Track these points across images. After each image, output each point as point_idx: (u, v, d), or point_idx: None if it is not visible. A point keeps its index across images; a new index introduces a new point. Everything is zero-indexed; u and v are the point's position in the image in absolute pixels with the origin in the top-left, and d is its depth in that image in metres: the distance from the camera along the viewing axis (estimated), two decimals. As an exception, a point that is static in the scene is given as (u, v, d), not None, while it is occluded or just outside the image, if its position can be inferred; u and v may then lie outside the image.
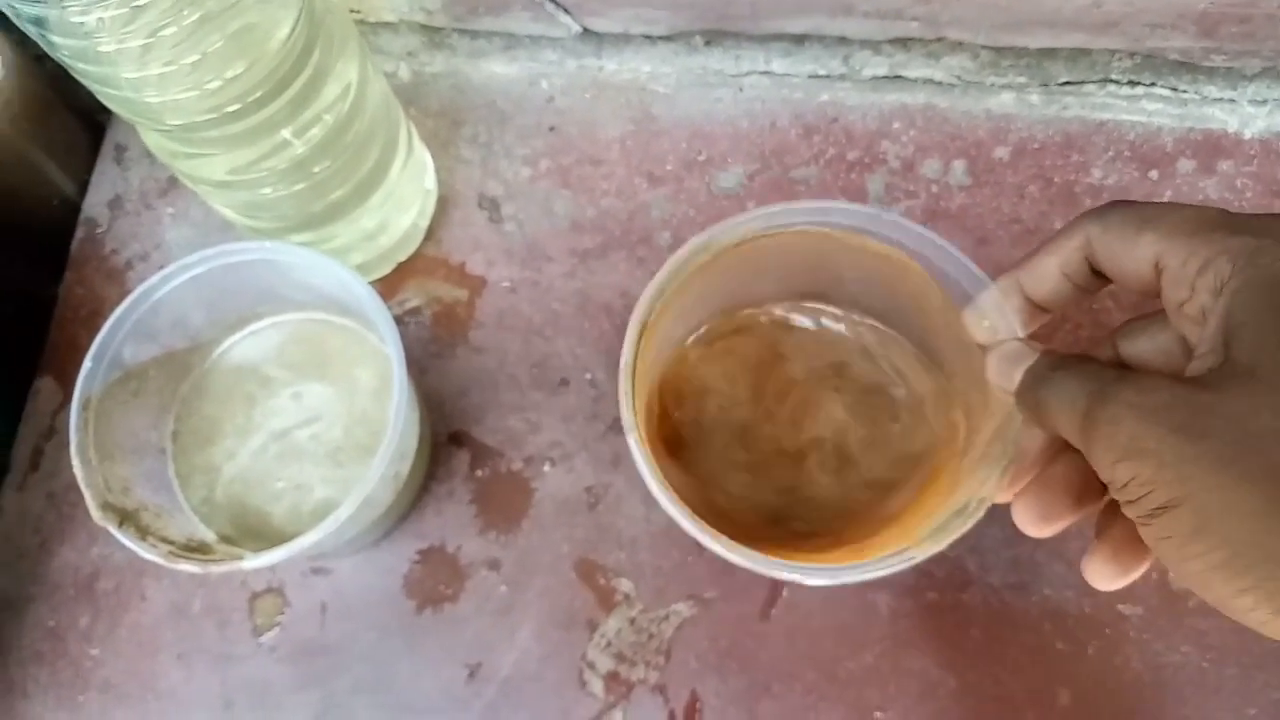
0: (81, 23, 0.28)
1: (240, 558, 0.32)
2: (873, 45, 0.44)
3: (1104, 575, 0.27)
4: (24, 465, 0.43)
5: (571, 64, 0.47)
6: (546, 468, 0.41)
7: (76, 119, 0.48)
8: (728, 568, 0.39)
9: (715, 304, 0.38)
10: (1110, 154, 0.44)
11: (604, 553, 0.40)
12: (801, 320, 0.38)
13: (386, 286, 0.44)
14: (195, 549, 0.34)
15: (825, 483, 0.37)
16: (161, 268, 0.35)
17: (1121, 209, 0.25)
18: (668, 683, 0.38)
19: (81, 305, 0.45)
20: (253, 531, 0.37)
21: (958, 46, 0.43)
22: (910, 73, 0.45)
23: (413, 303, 0.44)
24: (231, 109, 0.32)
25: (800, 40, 0.44)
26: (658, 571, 0.39)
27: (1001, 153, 0.44)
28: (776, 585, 0.39)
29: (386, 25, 0.47)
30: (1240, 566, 0.20)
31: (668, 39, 0.45)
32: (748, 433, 0.38)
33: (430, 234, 0.44)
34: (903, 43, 0.44)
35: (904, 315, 0.36)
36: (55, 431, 0.43)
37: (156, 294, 0.35)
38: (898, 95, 0.45)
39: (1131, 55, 0.43)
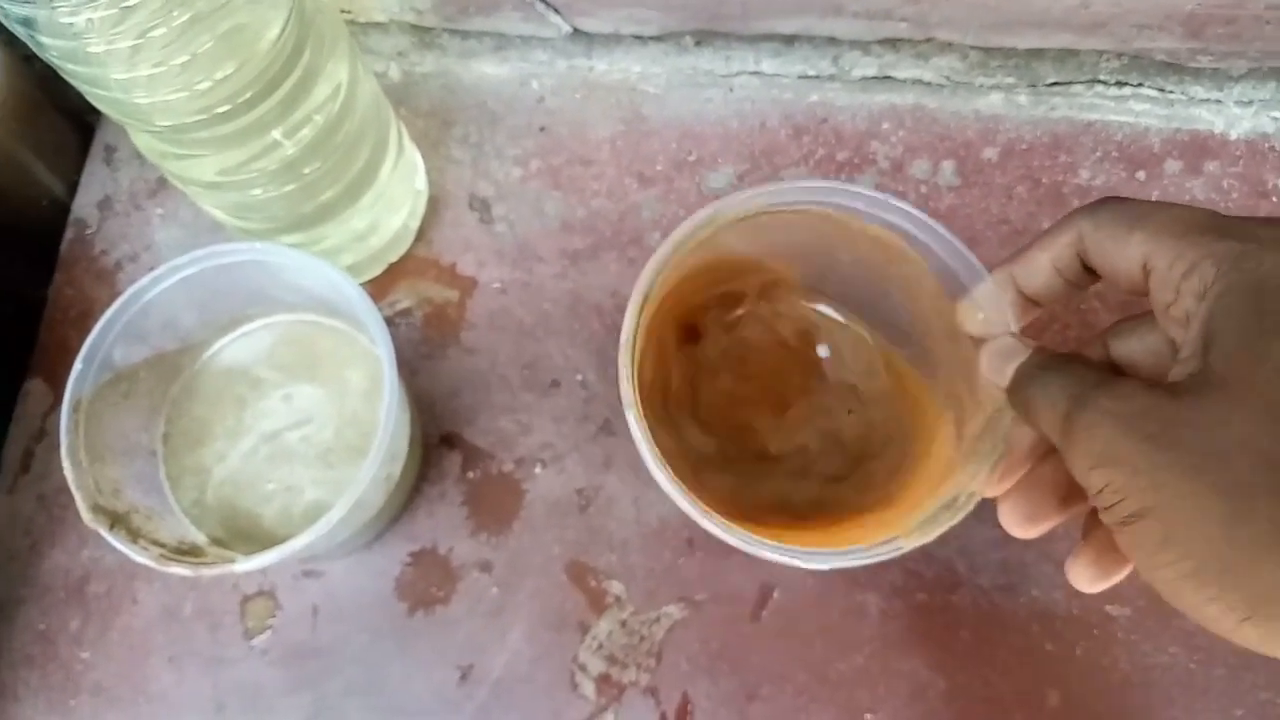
0: (70, 23, 0.28)
1: (232, 560, 0.32)
2: (862, 46, 0.44)
3: (1087, 578, 0.27)
4: (14, 467, 0.42)
5: (562, 64, 0.47)
6: (538, 469, 0.41)
7: (66, 119, 0.48)
8: (718, 570, 0.39)
9: (714, 284, 0.38)
10: (1098, 154, 0.44)
11: (595, 555, 0.40)
12: (795, 306, 0.39)
13: (377, 287, 0.44)
14: (186, 552, 0.34)
15: (815, 470, 0.37)
16: (151, 269, 0.34)
17: (1114, 206, 0.25)
18: (659, 685, 0.38)
19: (71, 307, 0.45)
20: (244, 534, 0.37)
21: (946, 47, 0.43)
22: (899, 73, 0.45)
23: (403, 304, 0.44)
24: (221, 110, 0.32)
25: (790, 41, 0.45)
26: (649, 574, 0.39)
27: (990, 153, 0.44)
28: (767, 587, 0.39)
29: (377, 25, 0.47)
30: (1206, 576, 0.20)
31: (658, 39, 0.45)
32: (739, 420, 0.38)
33: (421, 235, 0.44)
34: (892, 43, 0.44)
35: (894, 302, 0.36)
36: (45, 433, 0.43)
37: (147, 295, 0.34)
38: (887, 96, 0.45)
39: (1119, 56, 0.43)
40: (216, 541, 0.37)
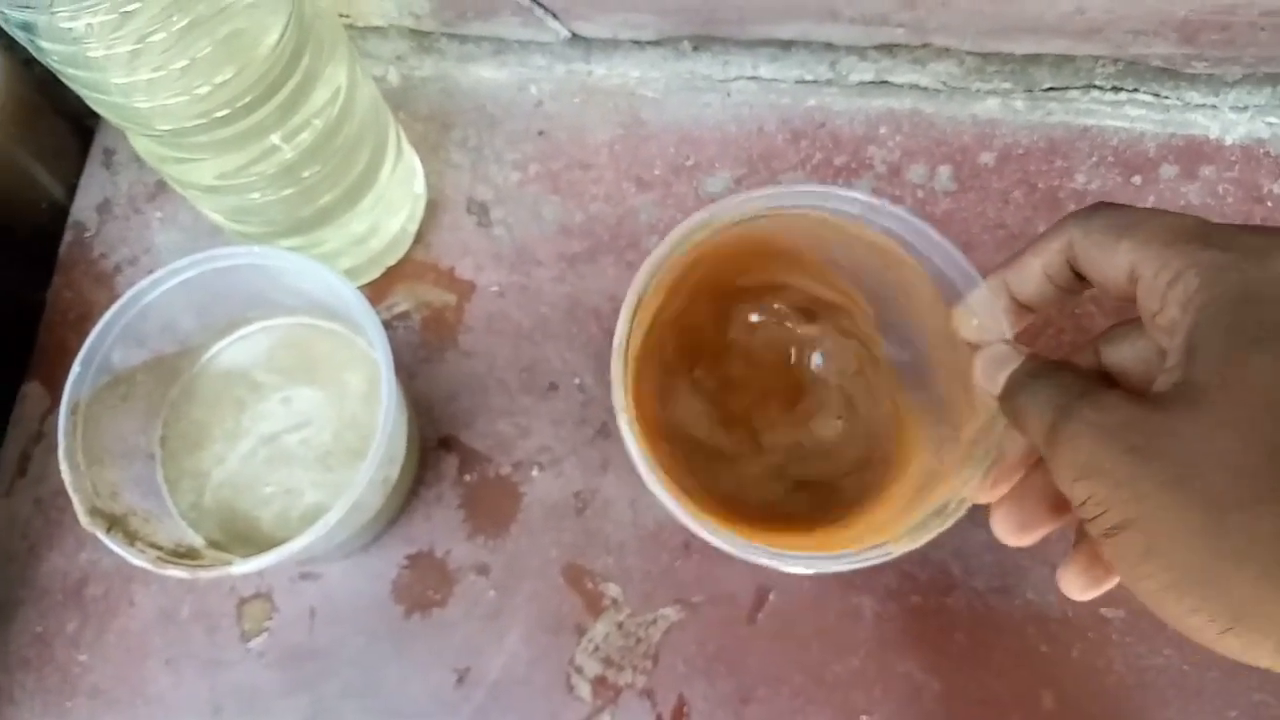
0: (70, 28, 0.28)
1: (229, 563, 0.32)
2: (859, 51, 0.44)
3: (1078, 586, 0.27)
4: (12, 470, 0.43)
5: (560, 69, 0.47)
6: (535, 472, 0.41)
7: (65, 123, 0.48)
8: (714, 572, 0.39)
9: (709, 285, 0.38)
10: (1094, 159, 0.44)
11: (592, 557, 0.40)
12: (790, 306, 0.39)
13: (375, 291, 0.44)
14: (184, 554, 0.34)
15: (808, 475, 0.37)
16: (150, 272, 0.35)
17: (1104, 213, 0.25)
18: (655, 687, 0.38)
19: (70, 309, 0.45)
20: (241, 536, 0.37)
21: (943, 52, 0.44)
22: (896, 78, 0.45)
23: (401, 307, 0.44)
24: (220, 114, 0.32)
25: (787, 46, 0.45)
26: (645, 576, 0.40)
27: (987, 158, 0.44)
28: (763, 589, 0.39)
29: (375, 30, 0.47)
30: (1188, 587, 0.20)
31: (656, 44, 0.46)
32: (735, 424, 0.38)
33: (419, 238, 0.44)
34: (889, 49, 0.44)
35: (891, 307, 0.36)
36: (43, 436, 0.43)
37: (145, 298, 0.35)
38: (884, 101, 0.45)
39: (1114, 61, 0.43)
40: (214, 544, 0.37)
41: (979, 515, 0.29)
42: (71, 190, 0.47)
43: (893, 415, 0.37)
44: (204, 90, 0.31)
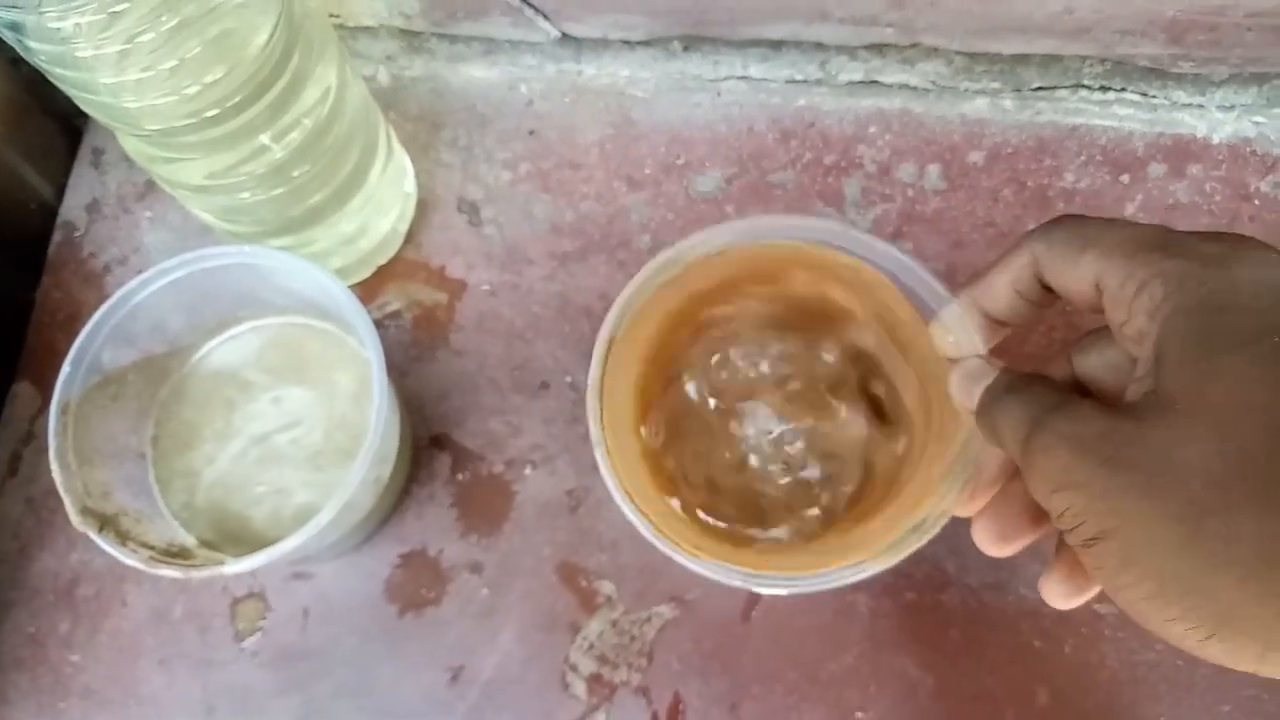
0: (58, 28, 0.28)
1: (221, 563, 0.32)
2: (849, 51, 0.45)
3: (1060, 594, 0.27)
4: (2, 471, 0.42)
5: (551, 68, 0.47)
6: (528, 471, 0.41)
7: (53, 123, 0.48)
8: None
9: (689, 313, 0.38)
10: (1082, 158, 0.44)
11: (585, 555, 0.40)
12: (773, 325, 0.39)
13: (366, 290, 0.44)
14: (176, 554, 0.34)
15: (797, 489, 0.37)
16: (140, 272, 0.35)
17: (1067, 226, 0.25)
18: (650, 684, 0.38)
19: (59, 309, 0.45)
20: (234, 536, 0.37)
21: (932, 52, 0.44)
22: (886, 78, 0.45)
23: (393, 306, 0.44)
24: (210, 114, 0.32)
25: (777, 46, 0.45)
26: (639, 574, 0.40)
27: (976, 157, 0.45)
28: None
29: (365, 30, 0.47)
30: (1168, 597, 0.20)
31: (646, 44, 0.46)
32: (721, 439, 0.38)
33: (410, 238, 0.44)
34: (878, 48, 0.44)
35: (873, 328, 0.36)
36: (34, 436, 0.43)
37: (135, 298, 0.35)
38: (873, 100, 0.46)
39: (1102, 61, 0.43)
40: (206, 544, 0.37)
41: (972, 512, 0.29)
42: (60, 190, 0.47)
43: (881, 436, 0.37)
44: (193, 90, 0.31)
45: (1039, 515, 0.28)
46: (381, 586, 0.40)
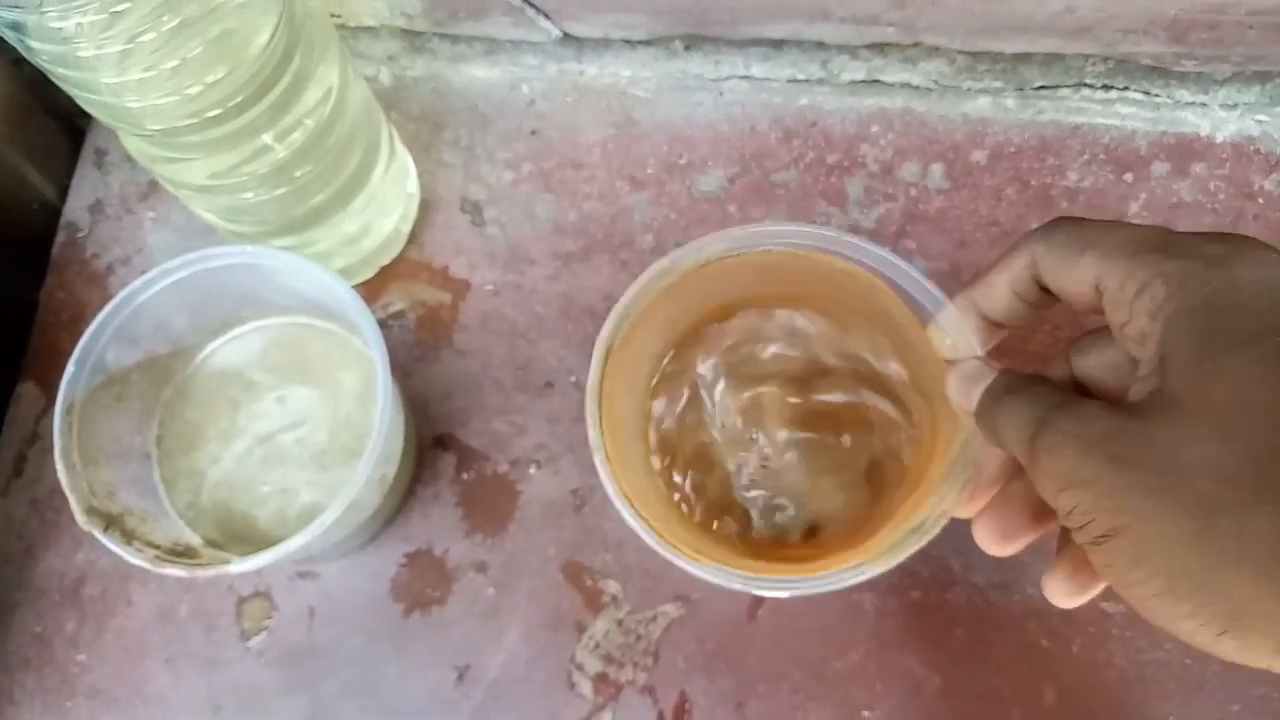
0: (60, 28, 0.28)
1: (227, 562, 0.32)
2: (850, 50, 0.45)
3: (1064, 593, 0.27)
4: (7, 471, 0.42)
5: (552, 68, 0.47)
6: (532, 470, 0.41)
7: (56, 123, 0.48)
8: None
9: (688, 319, 0.38)
10: (1085, 157, 0.44)
11: (591, 554, 0.40)
12: (774, 329, 0.39)
13: (369, 290, 0.44)
14: (181, 553, 0.34)
15: (801, 491, 0.37)
16: (143, 272, 0.35)
17: (1065, 228, 0.25)
18: (656, 684, 0.38)
19: (63, 310, 0.45)
20: (239, 536, 0.37)
21: (934, 51, 0.44)
22: (888, 77, 0.45)
23: (396, 306, 0.44)
24: (212, 114, 0.32)
25: (779, 45, 0.45)
26: (645, 573, 0.40)
27: (979, 156, 0.45)
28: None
29: (367, 30, 0.47)
30: (1180, 593, 0.20)
31: (648, 44, 0.46)
32: (730, 444, 0.38)
33: (413, 238, 0.44)
34: (880, 48, 0.44)
35: (871, 332, 0.36)
36: (38, 437, 0.43)
37: (139, 299, 0.34)
38: (876, 99, 0.46)
39: (1105, 60, 0.43)
40: (211, 543, 0.37)
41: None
42: (63, 191, 0.47)
43: (882, 438, 0.37)
44: (195, 90, 0.31)
45: (1040, 514, 0.28)
46: (387, 586, 0.40)
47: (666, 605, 0.39)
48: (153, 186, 0.46)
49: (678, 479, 0.37)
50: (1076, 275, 0.24)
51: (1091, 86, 0.44)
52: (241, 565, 0.31)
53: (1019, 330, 0.30)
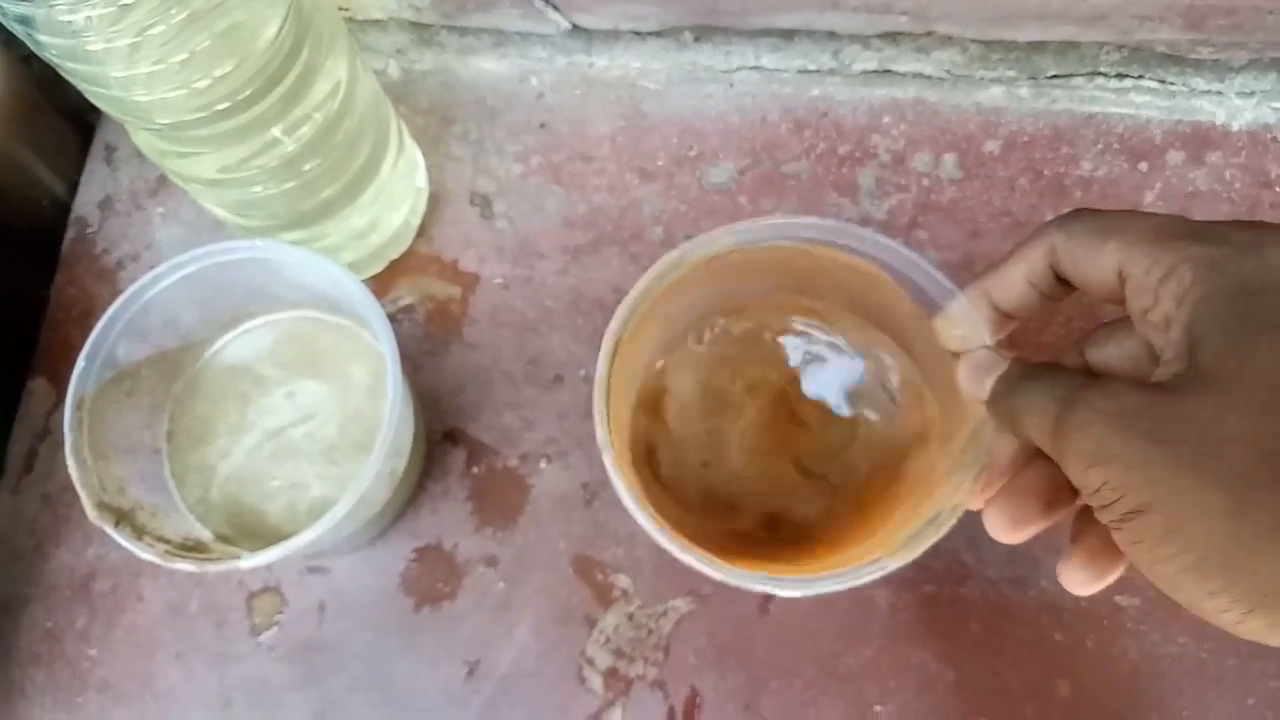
0: (69, 21, 0.28)
1: (237, 557, 0.32)
2: (862, 40, 0.44)
3: (1079, 580, 0.27)
4: (18, 467, 0.43)
5: (561, 60, 0.47)
6: (542, 464, 0.41)
7: (65, 119, 0.48)
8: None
9: (694, 315, 0.38)
10: (1100, 146, 0.44)
11: (601, 549, 0.40)
12: (776, 327, 0.39)
13: (379, 284, 0.44)
14: (192, 548, 0.34)
15: (807, 487, 0.37)
16: (153, 267, 0.34)
17: (1085, 218, 0.26)
18: (667, 679, 0.38)
19: (73, 305, 0.45)
20: (249, 530, 0.37)
21: (947, 41, 0.43)
22: (900, 67, 0.45)
23: (406, 300, 0.44)
24: (221, 107, 0.32)
25: (790, 35, 0.44)
26: (655, 567, 0.39)
27: (992, 146, 0.44)
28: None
29: (375, 23, 0.47)
30: (1209, 569, 0.20)
31: (657, 35, 0.45)
32: (727, 440, 0.38)
33: (422, 231, 0.44)
34: (892, 37, 0.44)
35: (878, 324, 0.36)
36: (49, 432, 0.43)
37: (148, 293, 0.34)
38: (887, 90, 0.45)
39: (1120, 48, 0.43)
40: (222, 538, 0.37)
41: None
42: (73, 187, 0.47)
43: (888, 433, 0.37)
44: (203, 83, 0.31)
45: (1053, 501, 0.28)
46: (397, 580, 0.40)
47: (677, 600, 0.39)
48: (162, 182, 0.46)
49: (679, 473, 0.37)
50: (1099, 263, 0.25)
51: (1106, 75, 0.44)
52: (252, 560, 0.31)
53: (1031, 322, 0.30)
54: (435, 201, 0.45)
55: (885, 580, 0.38)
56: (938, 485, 0.31)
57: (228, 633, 0.40)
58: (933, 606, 0.39)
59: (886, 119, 0.45)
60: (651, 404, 0.38)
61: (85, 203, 0.47)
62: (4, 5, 0.27)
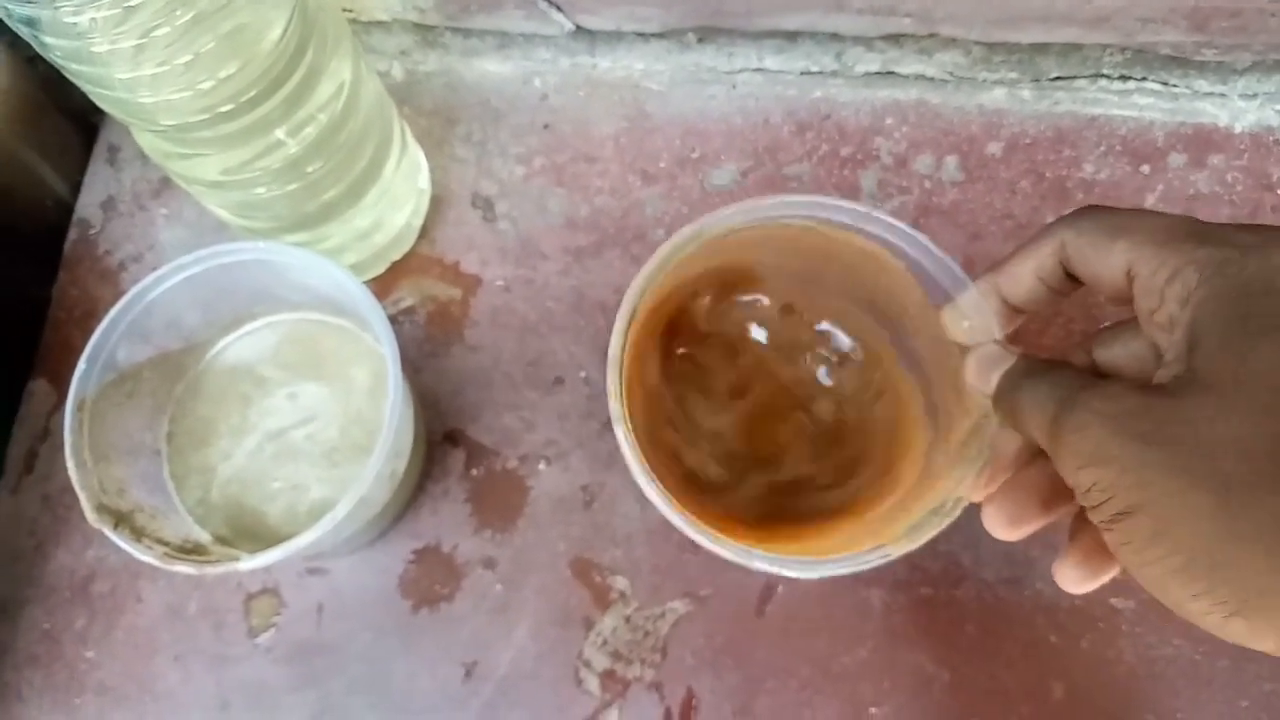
0: (74, 23, 0.28)
1: (236, 559, 0.32)
2: (865, 42, 0.44)
3: (1074, 579, 0.27)
4: (18, 468, 0.43)
5: (565, 62, 0.47)
6: (542, 466, 0.41)
7: (69, 120, 0.48)
8: (722, 565, 0.39)
9: (705, 291, 0.38)
10: (1102, 149, 0.44)
11: (599, 551, 0.40)
12: (784, 310, 0.39)
13: (381, 286, 0.44)
14: (191, 550, 0.34)
15: (809, 472, 0.37)
16: (155, 269, 0.34)
17: (1095, 216, 0.26)
18: (664, 680, 0.38)
19: (75, 307, 0.45)
20: (249, 532, 0.37)
21: (950, 42, 0.43)
22: (903, 69, 0.45)
23: (407, 302, 0.44)
24: (225, 109, 0.32)
25: (793, 37, 0.44)
26: (653, 569, 0.39)
27: (994, 148, 0.44)
28: (771, 582, 0.39)
29: (379, 24, 0.47)
30: (1195, 571, 0.20)
31: (660, 36, 0.45)
32: (735, 427, 0.38)
33: (424, 233, 0.44)
34: (895, 39, 0.44)
35: (883, 312, 0.36)
36: (50, 433, 0.43)
37: (150, 295, 0.34)
38: (890, 91, 0.45)
39: (1123, 50, 0.43)
40: (221, 540, 0.37)
41: (989, 507, 0.29)
42: (76, 187, 0.47)
43: (887, 419, 0.37)
44: (208, 85, 0.31)
45: (1050, 500, 0.28)
46: (396, 582, 0.40)
47: (675, 602, 0.39)
48: (165, 183, 0.46)
49: (694, 449, 0.37)
50: (1108, 262, 0.25)
51: (1109, 77, 0.44)
52: (251, 562, 0.31)
53: (1036, 322, 0.30)
54: (438, 203, 0.45)
55: (881, 581, 0.39)
56: (941, 476, 0.31)
57: (226, 634, 0.40)
58: (928, 608, 0.39)
59: (889, 121, 0.45)
60: (664, 377, 0.38)
61: (88, 203, 0.47)
62: (10, 7, 0.27)
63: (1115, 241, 0.24)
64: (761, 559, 0.29)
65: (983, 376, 0.28)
